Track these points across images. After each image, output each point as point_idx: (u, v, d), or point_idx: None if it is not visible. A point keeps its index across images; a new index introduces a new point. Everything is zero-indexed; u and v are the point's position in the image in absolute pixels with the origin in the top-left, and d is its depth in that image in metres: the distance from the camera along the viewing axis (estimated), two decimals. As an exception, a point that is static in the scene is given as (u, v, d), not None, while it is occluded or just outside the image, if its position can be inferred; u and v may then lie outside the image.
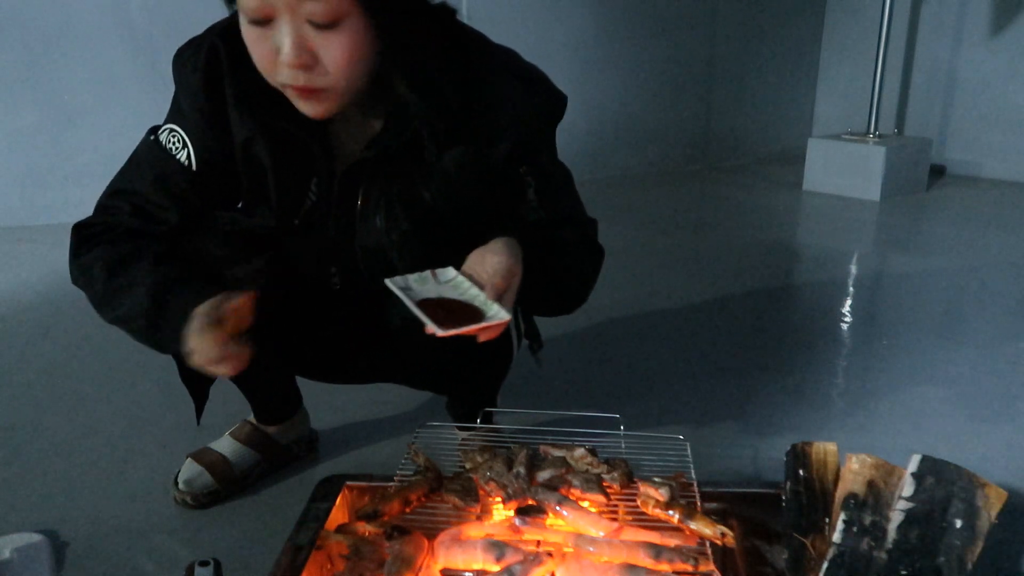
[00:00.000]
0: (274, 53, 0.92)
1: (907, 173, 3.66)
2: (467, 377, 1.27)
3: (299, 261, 1.15)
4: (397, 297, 0.96)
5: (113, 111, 2.97)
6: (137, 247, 1.04)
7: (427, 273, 1.01)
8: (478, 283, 0.97)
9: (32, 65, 2.88)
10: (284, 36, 0.90)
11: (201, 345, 0.94)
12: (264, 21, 0.90)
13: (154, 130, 1.10)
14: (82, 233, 1.06)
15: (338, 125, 1.06)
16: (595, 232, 1.17)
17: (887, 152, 3.53)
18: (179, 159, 1.06)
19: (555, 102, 1.11)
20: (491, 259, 0.99)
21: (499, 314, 0.93)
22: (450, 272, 1.01)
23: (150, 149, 1.08)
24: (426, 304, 0.95)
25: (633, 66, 3.98)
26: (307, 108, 0.97)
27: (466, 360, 1.19)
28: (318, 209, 1.09)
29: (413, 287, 0.98)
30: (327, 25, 0.90)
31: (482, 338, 0.94)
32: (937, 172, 4.05)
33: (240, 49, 1.00)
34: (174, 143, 1.07)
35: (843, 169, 3.65)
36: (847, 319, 2.13)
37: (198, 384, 1.22)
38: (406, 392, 1.56)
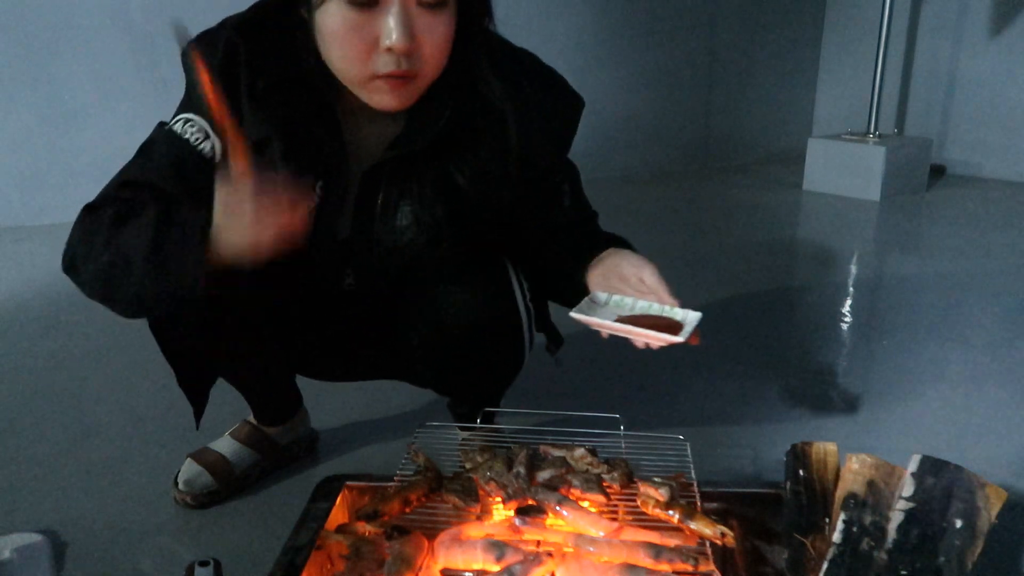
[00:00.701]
0: (374, 40, 0.90)
1: (907, 173, 3.66)
2: (477, 381, 1.27)
3: (309, 262, 1.14)
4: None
5: (113, 111, 2.97)
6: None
7: (586, 300, 1.04)
8: (630, 296, 1.03)
9: (32, 65, 2.88)
10: (394, 18, 0.88)
11: (235, 204, 0.86)
12: (370, 4, 0.88)
13: (164, 124, 1.04)
14: (92, 211, 0.99)
15: (353, 125, 1.04)
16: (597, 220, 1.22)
17: (887, 152, 3.53)
18: (201, 150, 0.99)
19: (579, 106, 1.12)
20: (643, 272, 1.04)
21: (692, 314, 1.00)
22: (602, 295, 1.05)
23: (167, 138, 1.01)
24: (622, 323, 0.99)
25: (633, 66, 3.98)
26: (392, 100, 0.95)
27: (477, 362, 1.19)
28: (321, 211, 1.07)
29: (591, 314, 1.01)
30: (436, 4, 0.90)
31: (694, 342, 0.98)
32: (937, 172, 4.05)
33: (257, 45, 0.97)
34: (194, 133, 1.00)
35: (843, 169, 3.65)
36: (847, 319, 2.13)
37: (197, 389, 1.22)
38: (406, 392, 1.56)
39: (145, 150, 1.03)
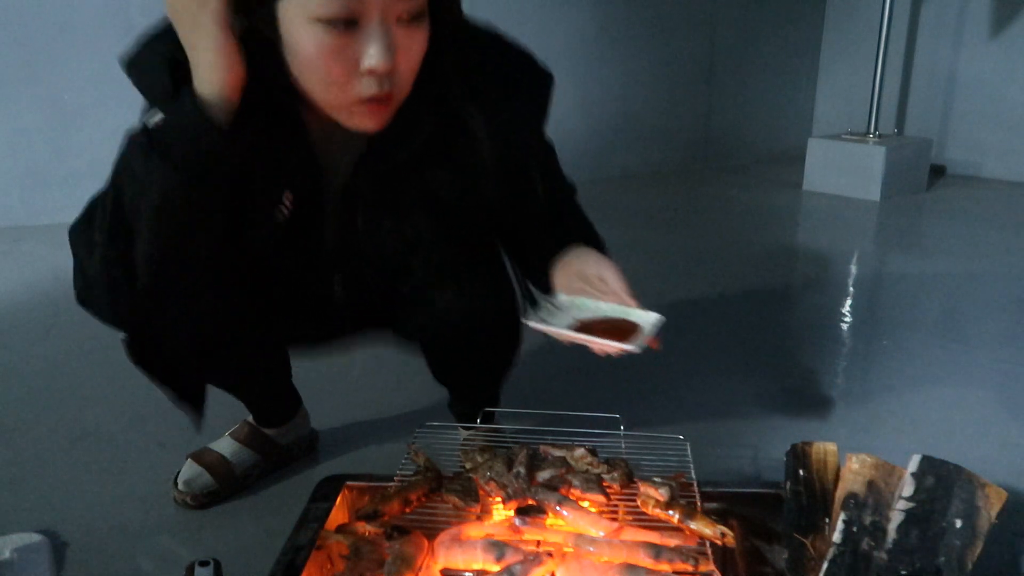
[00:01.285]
0: (354, 62, 0.85)
1: (907, 173, 3.66)
2: (476, 368, 1.26)
3: (295, 269, 1.12)
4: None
5: (113, 111, 2.95)
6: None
7: (546, 303, 1.03)
8: (591, 297, 1.02)
9: (32, 65, 2.87)
10: (375, 39, 0.83)
11: None
12: (348, 25, 0.83)
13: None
14: (81, 223, 0.99)
15: (324, 136, 0.99)
16: (575, 196, 1.18)
17: (887, 152, 3.53)
18: None
19: (547, 83, 1.07)
20: (605, 273, 1.02)
21: (651, 317, 0.98)
22: (562, 296, 1.04)
23: (146, 134, 0.89)
24: (579, 329, 0.97)
25: (633, 66, 3.98)
26: (370, 123, 0.91)
27: (476, 346, 1.19)
28: (297, 222, 1.03)
29: (549, 320, 1.00)
30: (415, 18, 0.86)
31: (654, 346, 0.97)
32: (937, 172, 4.05)
33: None
34: None
35: (843, 169, 3.65)
36: (847, 319, 2.13)
37: (193, 398, 1.21)
38: (406, 392, 1.57)
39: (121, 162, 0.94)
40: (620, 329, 0.97)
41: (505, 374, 1.28)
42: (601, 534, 0.94)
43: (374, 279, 1.14)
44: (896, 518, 0.94)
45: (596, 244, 1.12)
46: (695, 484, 1.03)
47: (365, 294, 1.17)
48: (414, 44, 0.88)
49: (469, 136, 1.01)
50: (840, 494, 0.98)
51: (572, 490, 1.01)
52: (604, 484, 1.02)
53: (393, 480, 1.05)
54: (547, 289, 1.08)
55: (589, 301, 1.02)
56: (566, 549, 0.92)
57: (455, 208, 1.07)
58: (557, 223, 1.14)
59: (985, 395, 1.66)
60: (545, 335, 1.00)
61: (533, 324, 0.99)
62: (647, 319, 0.99)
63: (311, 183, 1.02)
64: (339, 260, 1.12)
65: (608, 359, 1.01)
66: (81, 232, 0.99)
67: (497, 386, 1.33)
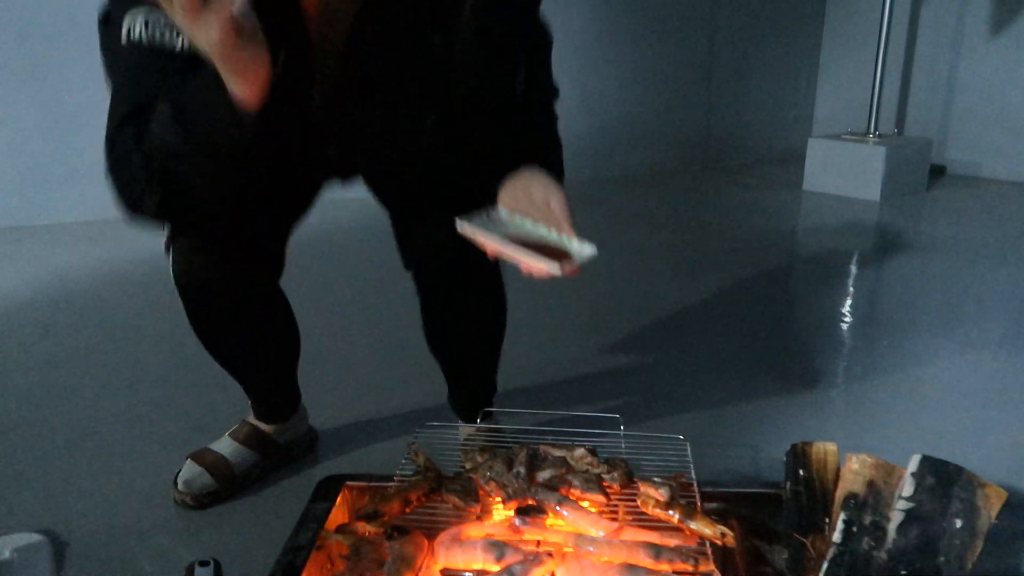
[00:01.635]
0: None
1: (907, 173, 3.67)
2: (465, 316, 1.27)
3: (287, 147, 1.06)
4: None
5: (113, 111, 2.97)
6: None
7: (485, 214, 0.99)
8: (532, 219, 0.98)
9: (32, 65, 2.88)
10: None
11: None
12: None
13: (111, 28, 0.89)
14: (112, 162, 0.93)
15: (310, 5, 0.95)
16: (554, 102, 1.15)
17: (887, 152, 3.53)
18: (177, 47, 0.87)
19: None
20: (552, 197, 0.98)
21: (587, 248, 0.93)
22: (502, 211, 1.00)
23: (135, 52, 0.88)
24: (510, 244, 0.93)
25: (633, 66, 3.98)
26: None
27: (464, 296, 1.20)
28: (286, 84, 0.95)
29: (482, 229, 0.95)
30: None
31: (572, 273, 0.91)
32: (937, 172, 4.05)
33: None
34: (159, 30, 0.86)
35: (843, 169, 3.65)
36: (847, 319, 2.13)
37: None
38: (406, 392, 1.57)
39: (123, 73, 0.92)
40: (552, 253, 0.92)
41: (495, 340, 1.27)
42: (601, 534, 0.94)
43: (372, 153, 1.12)
44: (896, 518, 0.94)
45: (555, 165, 1.08)
46: (695, 484, 1.03)
47: (355, 169, 1.16)
48: None
49: (459, 9, 0.98)
50: (840, 494, 0.98)
51: (572, 490, 1.01)
52: (604, 484, 1.02)
53: (393, 480, 1.05)
54: (492, 199, 1.04)
55: (529, 221, 0.98)
56: (566, 549, 0.92)
57: (440, 85, 1.03)
58: (524, 131, 1.10)
59: (985, 395, 1.66)
60: (476, 243, 0.96)
61: (465, 229, 0.95)
62: (581, 249, 0.94)
63: (299, 44, 0.98)
64: (330, 126, 1.08)
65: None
66: (119, 152, 0.92)
67: (490, 360, 1.33)
